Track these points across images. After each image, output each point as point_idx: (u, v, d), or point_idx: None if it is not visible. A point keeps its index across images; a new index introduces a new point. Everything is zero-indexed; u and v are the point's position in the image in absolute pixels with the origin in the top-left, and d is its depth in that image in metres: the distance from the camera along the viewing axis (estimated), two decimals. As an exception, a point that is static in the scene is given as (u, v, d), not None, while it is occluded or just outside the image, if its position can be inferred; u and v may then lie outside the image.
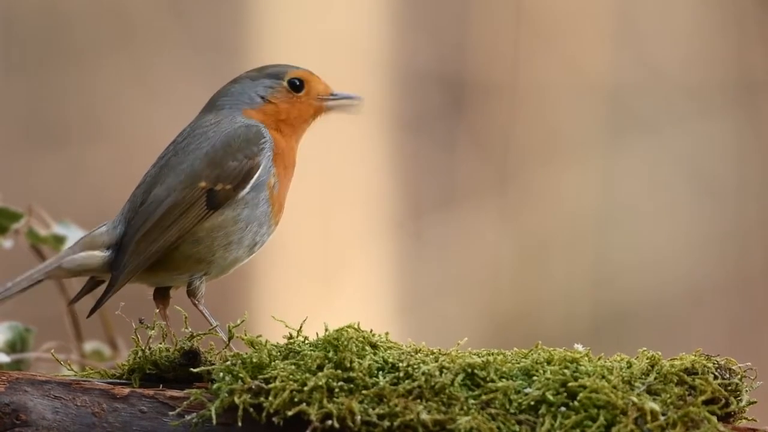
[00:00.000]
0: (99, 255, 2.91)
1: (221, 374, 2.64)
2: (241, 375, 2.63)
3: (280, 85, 3.01)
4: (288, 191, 2.98)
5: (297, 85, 3.01)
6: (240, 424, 2.61)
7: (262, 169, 2.91)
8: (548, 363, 2.66)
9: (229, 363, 2.65)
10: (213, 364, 2.68)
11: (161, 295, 2.97)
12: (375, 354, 2.66)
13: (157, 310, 2.92)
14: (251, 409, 2.62)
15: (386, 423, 2.59)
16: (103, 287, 2.95)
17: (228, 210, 2.89)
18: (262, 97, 3.00)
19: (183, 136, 2.98)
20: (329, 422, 2.59)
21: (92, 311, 2.92)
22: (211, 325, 2.82)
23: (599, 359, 2.67)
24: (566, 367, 2.64)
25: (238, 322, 2.73)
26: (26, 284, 2.86)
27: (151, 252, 2.86)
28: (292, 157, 2.99)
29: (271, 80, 3.01)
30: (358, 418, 2.60)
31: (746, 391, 2.66)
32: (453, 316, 6.56)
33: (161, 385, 2.70)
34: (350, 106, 3.04)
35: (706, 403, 2.62)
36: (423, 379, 2.62)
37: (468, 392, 2.63)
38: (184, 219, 2.87)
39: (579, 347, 2.70)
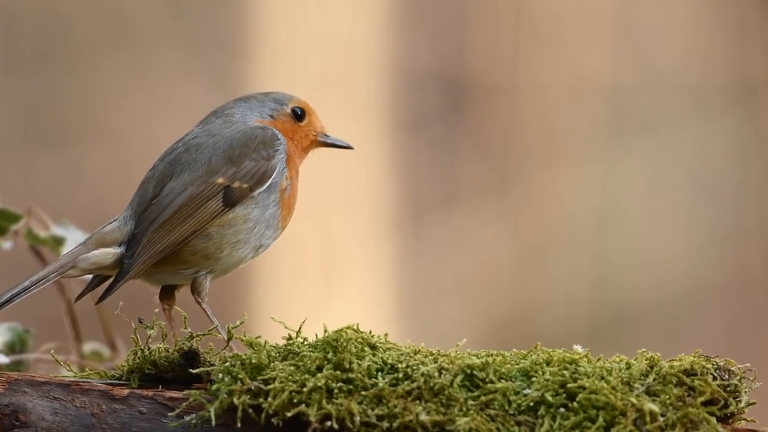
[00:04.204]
0: (112, 252, 2.92)
1: (220, 375, 2.64)
2: (240, 376, 2.63)
3: (284, 110, 3.09)
4: (296, 199, 3.02)
5: (299, 114, 3.10)
6: (239, 425, 2.61)
7: (277, 171, 2.97)
8: (547, 364, 2.66)
9: (228, 364, 2.65)
10: (212, 365, 2.68)
11: (166, 296, 2.99)
12: (374, 355, 2.66)
13: (158, 310, 2.92)
14: (250, 410, 2.62)
15: (385, 424, 2.59)
16: (106, 282, 2.95)
17: (239, 207, 2.93)
18: (271, 116, 3.08)
19: (192, 135, 3.02)
20: (328, 423, 2.59)
21: (101, 299, 2.92)
22: (213, 323, 2.83)
23: (598, 360, 2.68)
24: (565, 368, 2.64)
25: (238, 323, 2.73)
26: (44, 284, 2.87)
27: (166, 243, 2.88)
28: (297, 169, 3.05)
29: (276, 104, 3.10)
30: (358, 419, 2.60)
31: (745, 392, 2.66)
32: (452, 316, 6.55)
33: (160, 386, 2.70)
34: (342, 147, 3.15)
35: (705, 404, 2.62)
36: (422, 380, 2.62)
37: (467, 393, 2.63)
38: (201, 213, 2.90)
39: (578, 348, 2.70)
